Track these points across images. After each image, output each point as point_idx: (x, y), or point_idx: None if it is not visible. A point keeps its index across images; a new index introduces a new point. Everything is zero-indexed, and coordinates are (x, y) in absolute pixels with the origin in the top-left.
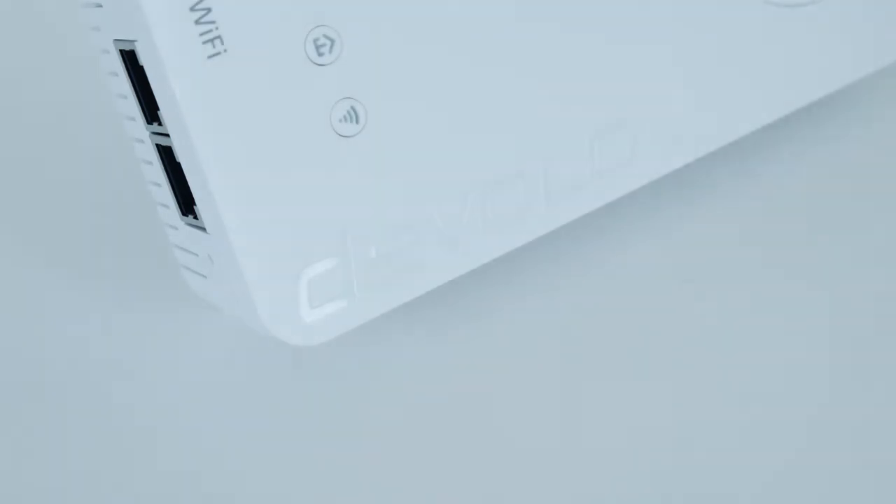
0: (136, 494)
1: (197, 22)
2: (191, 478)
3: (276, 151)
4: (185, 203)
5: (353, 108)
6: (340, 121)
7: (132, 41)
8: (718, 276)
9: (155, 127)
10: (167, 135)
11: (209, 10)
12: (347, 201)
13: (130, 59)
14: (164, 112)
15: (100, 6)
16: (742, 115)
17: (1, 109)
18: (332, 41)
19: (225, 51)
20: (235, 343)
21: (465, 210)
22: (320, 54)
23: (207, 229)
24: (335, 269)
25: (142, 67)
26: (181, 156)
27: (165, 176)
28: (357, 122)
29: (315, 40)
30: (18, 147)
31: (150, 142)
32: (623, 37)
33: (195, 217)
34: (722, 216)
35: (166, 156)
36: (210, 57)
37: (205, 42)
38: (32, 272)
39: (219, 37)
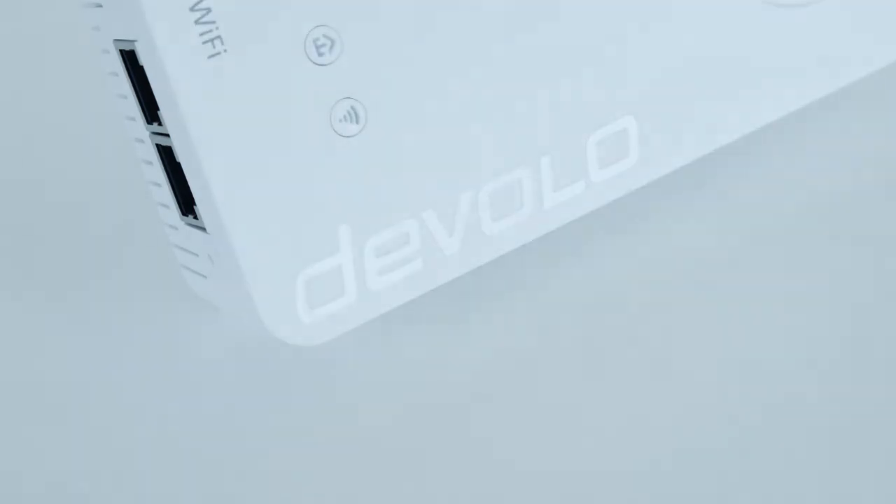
0: (137, 494)
1: (197, 22)
2: (190, 478)
3: (277, 151)
4: (185, 203)
5: (353, 108)
6: (340, 121)
7: (132, 41)
8: (719, 275)
9: (155, 127)
10: (167, 135)
11: (209, 10)
12: (347, 201)
13: (130, 59)
14: (164, 112)
15: (100, 6)
16: (742, 115)
17: (1, 109)
18: (332, 41)
19: (225, 51)
20: (235, 343)
21: (465, 210)
22: (320, 54)
23: (207, 229)
24: (335, 269)
25: (142, 67)
26: (181, 156)
27: (165, 176)
28: (357, 122)
29: (315, 40)
30: (18, 147)
31: (150, 142)
32: (622, 37)
33: (195, 217)
34: (721, 216)
35: (166, 156)
36: (210, 57)
37: (205, 42)
38: (32, 272)
39: (219, 37)
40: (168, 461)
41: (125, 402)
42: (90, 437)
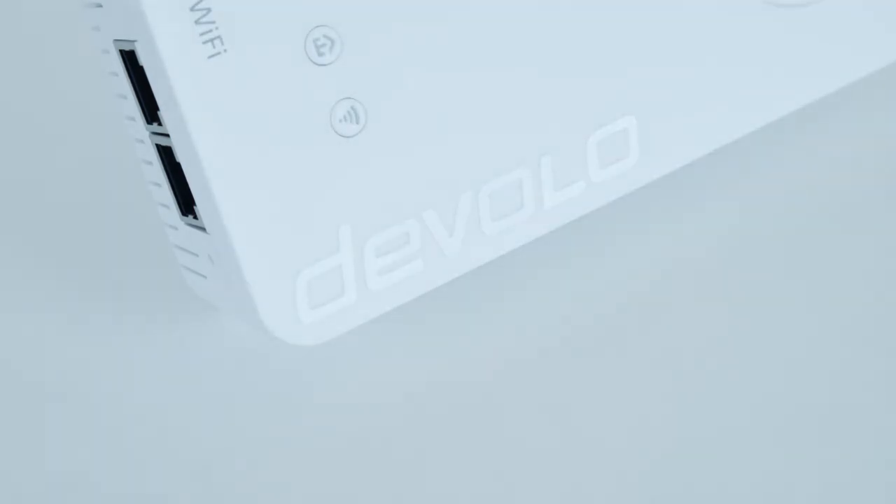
0: (137, 494)
1: (197, 22)
2: (190, 478)
3: (277, 151)
4: (185, 203)
5: (353, 108)
6: (340, 121)
7: (132, 41)
8: (719, 275)
9: (155, 127)
10: (167, 135)
11: (209, 10)
12: (347, 201)
13: (130, 59)
14: (164, 112)
15: (100, 6)
16: (741, 116)
17: (1, 109)
18: (332, 41)
19: (225, 51)
20: (235, 343)
21: (465, 210)
22: (320, 54)
23: (207, 229)
24: (335, 270)
25: (142, 67)
26: (181, 156)
27: (165, 176)
28: (357, 122)
29: (315, 40)
30: (18, 147)
31: (150, 142)
32: (622, 37)
33: (195, 217)
34: (721, 216)
35: (166, 156)
36: (210, 57)
37: (205, 42)
38: (31, 272)
39: (219, 37)
40: (168, 461)
41: (125, 401)
42: (90, 436)
